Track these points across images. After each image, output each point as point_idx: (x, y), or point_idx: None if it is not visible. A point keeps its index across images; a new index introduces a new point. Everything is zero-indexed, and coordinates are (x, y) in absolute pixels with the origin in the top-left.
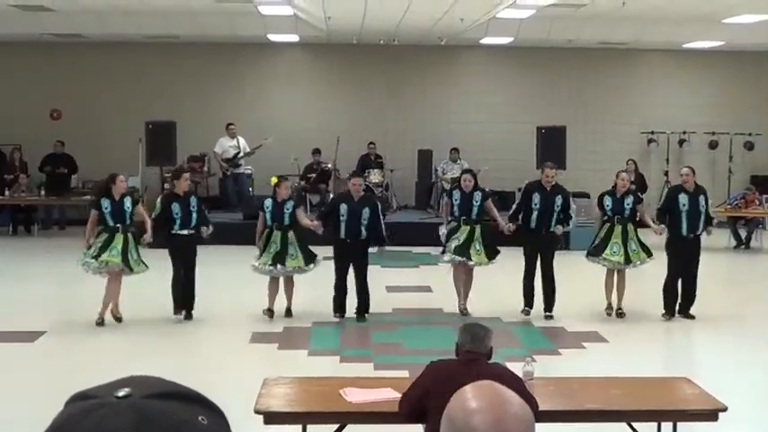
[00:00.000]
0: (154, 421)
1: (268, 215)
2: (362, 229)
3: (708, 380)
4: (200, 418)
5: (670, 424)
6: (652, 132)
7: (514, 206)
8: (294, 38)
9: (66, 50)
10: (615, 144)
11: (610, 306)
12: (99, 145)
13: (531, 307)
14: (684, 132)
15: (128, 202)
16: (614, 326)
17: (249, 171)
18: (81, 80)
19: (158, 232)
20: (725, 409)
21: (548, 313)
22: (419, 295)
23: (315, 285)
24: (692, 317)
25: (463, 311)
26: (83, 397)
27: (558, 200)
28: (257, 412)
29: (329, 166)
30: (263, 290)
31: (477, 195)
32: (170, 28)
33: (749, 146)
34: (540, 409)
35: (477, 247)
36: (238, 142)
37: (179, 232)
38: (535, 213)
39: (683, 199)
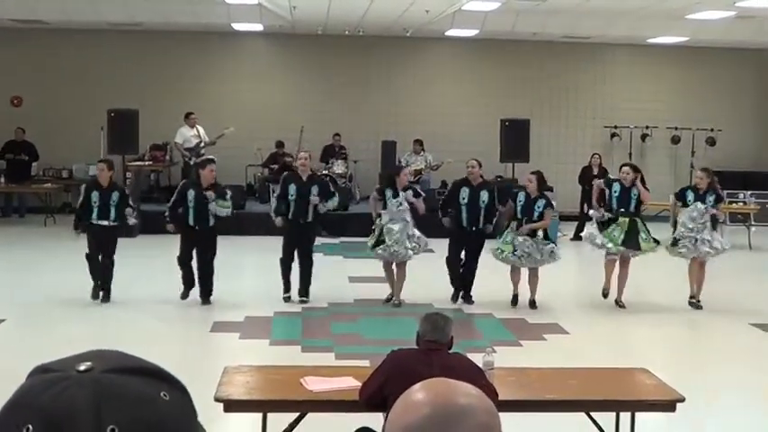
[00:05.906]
0: (114, 395)
1: None
2: (210, 216)
3: (666, 371)
4: (162, 393)
5: (629, 414)
6: (615, 127)
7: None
8: (258, 27)
9: (27, 37)
10: (578, 138)
11: (694, 296)
12: (60, 133)
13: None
14: (647, 127)
15: (410, 195)
16: (575, 318)
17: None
18: (42, 67)
19: (81, 220)
20: (682, 400)
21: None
22: (381, 286)
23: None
24: (472, 302)
25: (619, 303)
26: (44, 370)
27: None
28: (217, 400)
29: (292, 161)
30: (223, 278)
31: (635, 190)
32: (133, 15)
33: (711, 141)
34: (500, 398)
35: (644, 236)
36: (198, 132)
37: (97, 222)
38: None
39: (463, 193)
